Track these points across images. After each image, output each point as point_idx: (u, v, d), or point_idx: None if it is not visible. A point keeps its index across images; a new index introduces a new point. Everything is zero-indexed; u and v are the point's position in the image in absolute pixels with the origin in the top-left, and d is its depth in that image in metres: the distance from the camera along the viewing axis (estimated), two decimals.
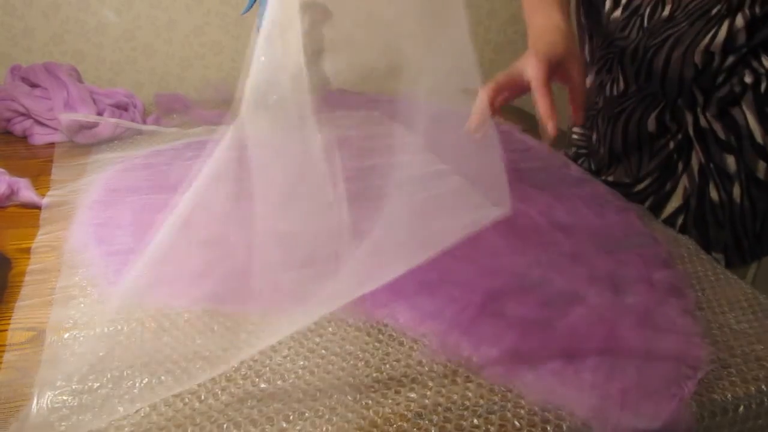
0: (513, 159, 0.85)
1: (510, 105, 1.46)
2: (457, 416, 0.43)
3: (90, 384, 0.45)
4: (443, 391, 0.45)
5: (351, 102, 1.11)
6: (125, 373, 0.46)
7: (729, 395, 0.46)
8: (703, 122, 0.72)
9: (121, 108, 0.94)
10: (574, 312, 0.53)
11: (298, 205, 0.70)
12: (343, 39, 1.27)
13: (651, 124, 0.76)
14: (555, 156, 0.88)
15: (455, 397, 0.45)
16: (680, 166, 0.75)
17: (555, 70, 0.69)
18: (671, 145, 0.75)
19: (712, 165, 0.72)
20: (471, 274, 0.58)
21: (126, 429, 0.41)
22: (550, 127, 0.64)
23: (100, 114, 0.90)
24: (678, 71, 0.71)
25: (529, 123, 1.35)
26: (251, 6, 1.04)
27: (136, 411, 0.43)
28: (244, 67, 1.18)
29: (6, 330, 0.52)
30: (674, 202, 0.76)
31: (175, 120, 1.00)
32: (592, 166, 0.89)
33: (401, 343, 0.50)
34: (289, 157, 0.85)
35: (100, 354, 0.48)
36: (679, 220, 0.76)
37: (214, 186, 0.74)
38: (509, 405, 0.44)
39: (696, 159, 0.74)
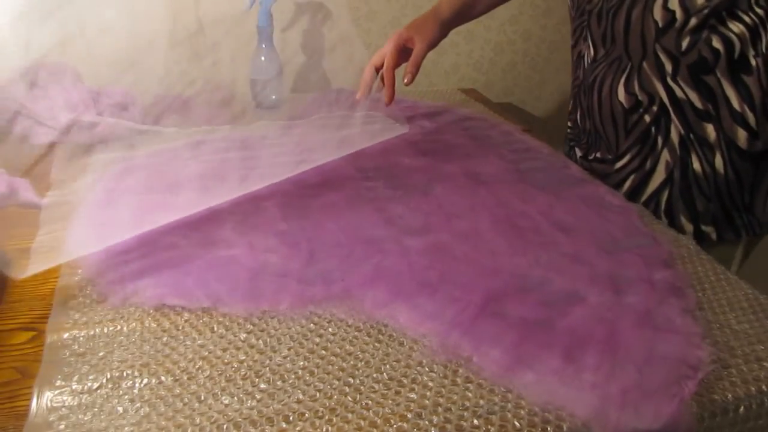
0: (513, 159, 0.85)
1: (510, 105, 1.46)
2: (457, 417, 0.43)
3: (90, 384, 0.45)
4: (443, 391, 0.45)
5: (351, 102, 1.11)
6: (125, 373, 0.46)
7: (729, 395, 0.46)
8: (679, 93, 0.73)
9: (121, 108, 0.94)
10: (574, 312, 0.53)
11: None
12: (342, 39, 1.27)
13: (621, 93, 0.77)
14: (555, 156, 0.88)
15: (455, 397, 0.45)
16: (660, 139, 0.76)
17: (405, 43, 0.91)
18: (647, 118, 0.76)
19: (692, 135, 0.73)
20: (471, 274, 0.58)
21: (126, 429, 0.41)
22: (386, 94, 0.89)
23: (100, 114, 0.90)
24: (639, 30, 0.73)
25: (530, 123, 1.35)
26: (252, 5, 1.04)
27: (136, 411, 0.43)
28: (244, 67, 1.18)
29: (6, 330, 0.52)
30: (658, 178, 0.77)
31: (175, 120, 1.00)
32: (578, 153, 0.90)
33: (401, 344, 0.50)
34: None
35: (100, 354, 0.48)
36: (665, 195, 0.77)
37: (214, 185, 0.74)
38: (509, 405, 0.44)
39: (675, 131, 0.74)
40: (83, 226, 0.65)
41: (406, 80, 0.89)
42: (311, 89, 1.30)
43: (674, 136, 0.74)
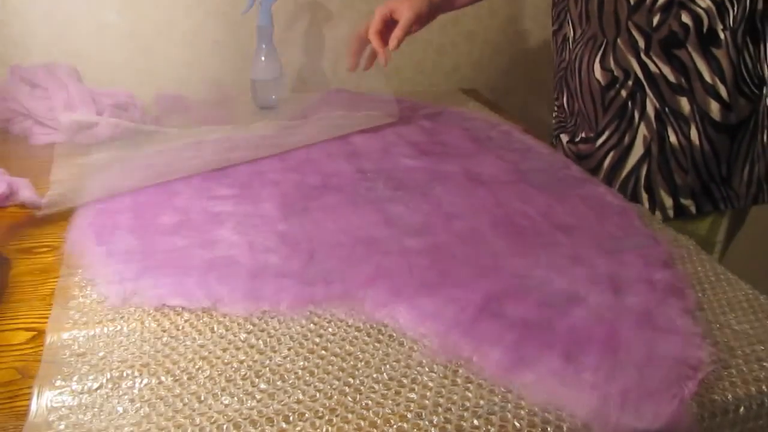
0: (513, 159, 0.85)
1: (510, 105, 1.46)
2: (457, 417, 0.43)
3: (90, 384, 0.45)
4: (443, 391, 0.45)
5: (351, 102, 1.11)
6: (125, 373, 0.46)
7: (729, 396, 0.46)
8: (652, 67, 0.75)
9: (121, 108, 0.94)
10: (574, 312, 0.53)
11: None
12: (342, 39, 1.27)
13: (597, 70, 0.79)
14: (555, 156, 0.88)
15: (455, 397, 0.45)
16: (636, 114, 0.78)
17: (392, 13, 0.90)
18: (623, 93, 0.78)
19: (667, 109, 0.76)
20: (471, 274, 0.58)
21: (126, 429, 0.41)
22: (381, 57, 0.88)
23: (99, 114, 0.90)
24: (613, 9, 0.76)
25: (530, 123, 1.35)
26: (251, 5, 1.04)
27: (136, 411, 0.43)
28: (244, 67, 1.19)
29: (6, 330, 0.52)
30: (637, 152, 0.79)
31: (175, 120, 1.00)
32: (564, 139, 0.92)
33: (401, 344, 0.50)
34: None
35: (100, 354, 0.48)
36: (644, 170, 0.79)
37: (214, 185, 0.74)
38: (509, 406, 0.44)
39: (651, 105, 0.77)
40: (83, 226, 0.65)
41: (391, 45, 0.88)
42: (311, 89, 1.29)
43: (650, 110, 0.77)
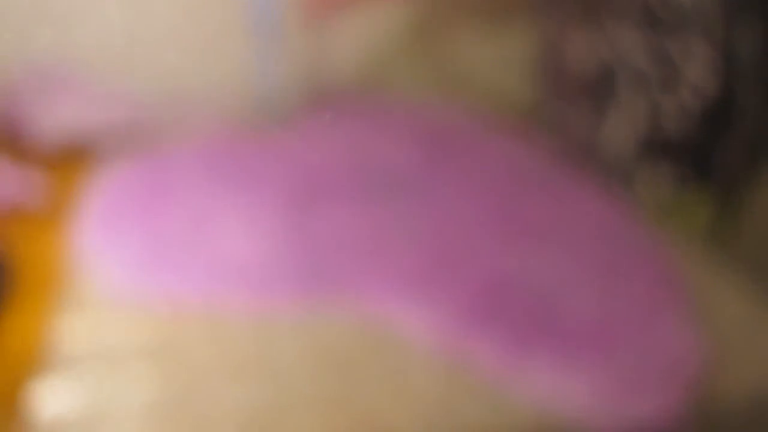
0: (513, 159, 0.85)
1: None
2: (457, 417, 0.43)
3: (90, 384, 0.45)
4: (443, 391, 0.45)
5: (351, 101, 1.11)
6: (125, 373, 0.46)
7: (729, 396, 0.46)
8: (629, 49, 0.75)
9: (122, 108, 0.94)
10: (572, 311, 0.53)
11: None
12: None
13: (574, 53, 0.81)
14: (555, 156, 0.88)
15: (455, 397, 0.45)
16: (617, 98, 0.78)
17: None
18: (601, 77, 0.78)
19: (648, 92, 0.75)
20: (470, 273, 0.58)
21: (126, 429, 0.41)
22: None
23: (100, 114, 0.90)
24: None
25: (529, 123, 1.35)
26: (251, 6, 1.04)
27: (137, 411, 0.43)
28: (243, 68, 1.18)
29: (6, 330, 0.52)
30: (620, 135, 0.79)
31: (175, 120, 1.00)
32: None
33: (401, 344, 0.50)
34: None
35: (101, 353, 0.48)
36: (628, 153, 0.79)
37: (214, 184, 0.75)
38: (509, 405, 0.44)
39: (631, 88, 0.77)
40: (84, 226, 0.65)
41: None
42: (311, 89, 1.30)
43: (629, 94, 0.77)
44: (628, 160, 0.82)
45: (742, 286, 0.60)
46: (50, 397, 0.44)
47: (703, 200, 0.84)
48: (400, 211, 0.69)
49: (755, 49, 0.74)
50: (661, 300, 0.55)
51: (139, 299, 0.54)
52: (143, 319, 0.52)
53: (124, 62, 1.18)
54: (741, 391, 0.47)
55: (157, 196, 0.71)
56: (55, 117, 0.89)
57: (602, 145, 0.84)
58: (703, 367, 0.47)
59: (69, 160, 0.86)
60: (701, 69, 0.74)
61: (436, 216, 0.69)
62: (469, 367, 0.47)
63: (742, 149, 0.81)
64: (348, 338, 0.51)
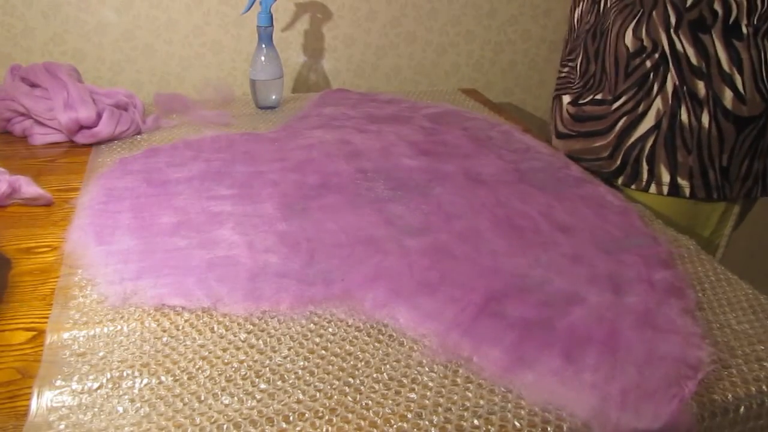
0: (513, 159, 0.85)
1: (510, 105, 1.46)
2: (458, 417, 0.43)
3: (90, 384, 0.45)
4: (443, 391, 0.45)
5: (351, 101, 1.11)
6: (125, 373, 0.46)
7: (729, 396, 0.46)
8: (678, 46, 0.78)
9: (121, 108, 0.94)
10: (574, 312, 0.53)
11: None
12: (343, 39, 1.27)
13: (628, 37, 0.82)
14: (555, 156, 0.88)
15: (455, 397, 0.45)
16: (656, 87, 0.81)
17: None
18: (648, 64, 0.81)
19: (685, 88, 0.79)
20: (471, 274, 0.58)
21: (126, 429, 0.41)
22: None
23: (99, 114, 0.90)
24: None
25: (530, 123, 1.35)
26: (251, 6, 1.04)
27: (136, 411, 0.43)
28: (244, 67, 1.19)
29: (6, 330, 0.52)
30: (647, 123, 0.82)
31: (175, 120, 1.00)
32: (566, 100, 0.94)
33: (401, 344, 0.50)
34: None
35: (100, 354, 0.48)
36: (650, 141, 0.82)
37: (214, 185, 0.74)
38: (510, 406, 0.44)
39: (671, 81, 0.79)
40: (83, 226, 0.65)
41: None
42: (311, 89, 1.30)
43: (669, 85, 0.80)
44: (639, 160, 0.82)
45: (744, 288, 0.60)
46: (48, 396, 0.43)
47: (711, 204, 0.84)
48: (401, 212, 0.69)
49: None
50: (664, 304, 0.55)
51: (132, 300, 0.54)
52: (137, 319, 0.52)
53: (122, 57, 1.18)
54: (741, 391, 0.47)
55: (152, 196, 0.71)
56: (51, 116, 0.89)
57: (612, 144, 0.84)
58: (706, 369, 0.47)
59: (64, 158, 0.86)
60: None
61: (438, 217, 0.69)
62: (471, 372, 0.47)
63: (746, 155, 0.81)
64: (348, 341, 0.51)
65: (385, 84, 1.34)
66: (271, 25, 1.03)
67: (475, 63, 1.37)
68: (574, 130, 0.91)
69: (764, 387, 0.47)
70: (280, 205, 0.70)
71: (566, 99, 0.94)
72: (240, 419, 0.42)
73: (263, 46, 1.04)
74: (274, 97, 1.08)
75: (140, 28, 1.16)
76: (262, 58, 1.04)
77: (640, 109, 0.82)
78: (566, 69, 0.97)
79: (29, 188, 0.72)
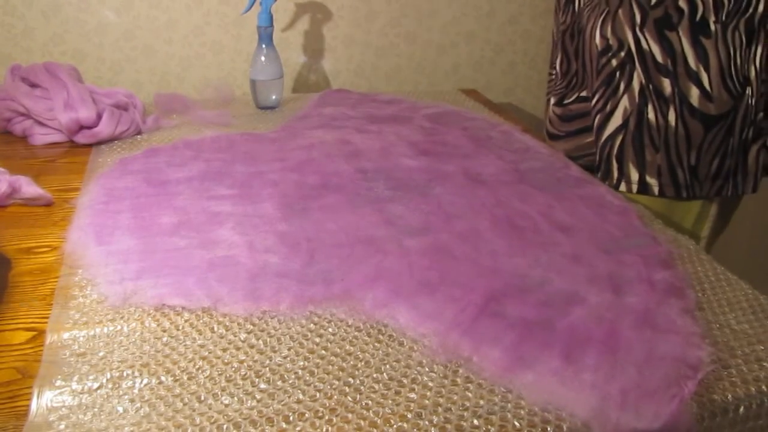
0: (513, 159, 0.85)
1: (510, 105, 1.46)
2: (457, 417, 0.43)
3: (90, 384, 0.45)
4: (443, 391, 0.45)
5: (351, 101, 1.11)
6: (125, 373, 0.46)
7: (729, 396, 0.46)
8: (644, 44, 0.78)
9: (121, 108, 0.94)
10: (574, 312, 0.53)
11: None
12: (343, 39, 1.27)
13: (597, 36, 0.83)
14: (555, 156, 0.88)
15: (455, 397, 0.45)
16: (622, 85, 0.81)
17: None
18: (614, 62, 0.81)
19: (651, 86, 0.79)
20: (471, 274, 0.58)
21: (126, 429, 0.41)
22: None
23: (99, 114, 0.90)
24: None
25: (530, 123, 1.36)
26: (251, 6, 1.04)
27: (136, 411, 0.43)
28: (244, 67, 1.19)
29: (6, 330, 0.52)
30: (615, 121, 0.83)
31: (175, 120, 1.00)
32: (552, 101, 0.96)
33: (401, 344, 0.50)
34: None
35: (100, 354, 0.48)
36: (618, 139, 0.83)
37: (214, 185, 0.74)
38: (509, 406, 0.44)
39: (637, 79, 0.80)
40: (83, 226, 0.65)
41: None
42: (311, 89, 1.30)
43: (636, 84, 0.80)
44: (634, 159, 0.83)
45: (744, 288, 0.60)
46: (48, 396, 0.43)
47: (705, 202, 0.84)
48: (401, 212, 0.69)
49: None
50: (664, 304, 0.55)
51: (132, 300, 0.54)
52: (137, 319, 0.52)
53: (122, 57, 1.18)
54: (741, 391, 0.47)
55: (153, 196, 0.71)
56: (51, 116, 0.89)
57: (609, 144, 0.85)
58: (706, 369, 0.47)
59: (65, 158, 0.86)
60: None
61: (438, 217, 0.69)
62: (471, 372, 0.47)
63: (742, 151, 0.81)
64: (348, 341, 0.51)
65: (385, 84, 1.34)
66: (271, 25, 1.03)
67: (475, 63, 1.37)
68: (562, 131, 0.92)
69: (764, 387, 0.47)
70: (280, 205, 0.70)
71: (552, 101, 0.94)
72: (240, 419, 0.42)
73: (263, 46, 1.04)
74: (274, 97, 1.08)
75: (140, 28, 1.16)
76: (262, 58, 1.04)
77: (608, 107, 0.82)
78: (553, 71, 0.98)
79: (29, 188, 0.72)
